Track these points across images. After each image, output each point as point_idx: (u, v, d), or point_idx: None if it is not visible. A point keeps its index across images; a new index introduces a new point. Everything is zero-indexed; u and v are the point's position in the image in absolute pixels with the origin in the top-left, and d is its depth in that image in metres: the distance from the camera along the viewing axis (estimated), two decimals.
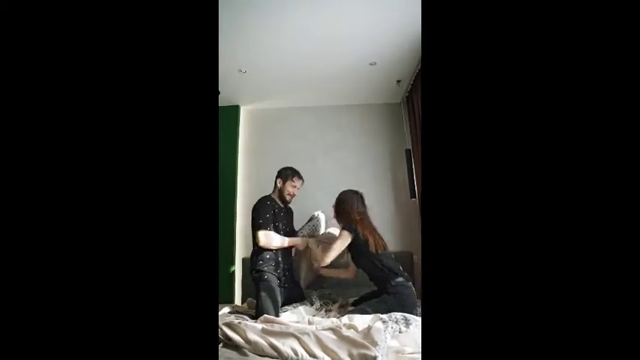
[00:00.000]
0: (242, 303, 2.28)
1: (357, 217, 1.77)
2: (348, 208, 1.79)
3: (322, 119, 2.84)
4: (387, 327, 1.16)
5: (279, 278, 1.78)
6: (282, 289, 1.77)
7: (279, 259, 1.82)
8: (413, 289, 1.66)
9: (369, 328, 1.11)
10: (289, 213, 2.06)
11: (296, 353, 0.98)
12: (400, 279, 1.64)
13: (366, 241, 1.68)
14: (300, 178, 1.98)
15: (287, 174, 1.95)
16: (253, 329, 1.16)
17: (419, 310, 1.58)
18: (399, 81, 2.53)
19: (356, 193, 1.87)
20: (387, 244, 1.80)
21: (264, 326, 1.21)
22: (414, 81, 2.51)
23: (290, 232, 1.98)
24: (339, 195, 1.87)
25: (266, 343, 1.04)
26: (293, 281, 1.92)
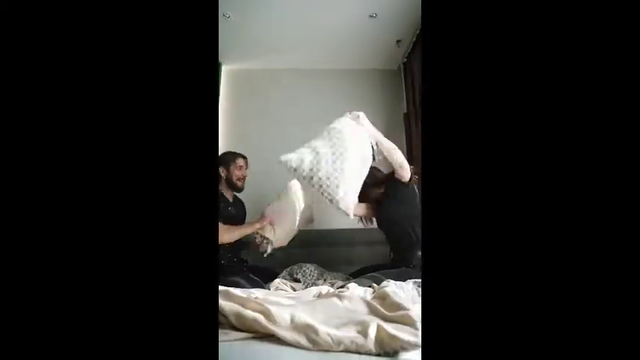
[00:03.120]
0: None
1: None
2: None
3: (316, 83, 2.61)
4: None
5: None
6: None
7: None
8: None
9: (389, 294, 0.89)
10: (239, 206, 1.82)
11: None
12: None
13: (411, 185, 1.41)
14: (243, 157, 1.76)
15: (228, 159, 1.73)
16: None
17: None
18: (398, 41, 2.32)
19: None
20: None
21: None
22: (414, 43, 2.31)
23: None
24: None
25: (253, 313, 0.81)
26: (249, 266, 1.71)
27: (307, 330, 0.69)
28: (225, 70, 2.55)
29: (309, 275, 1.64)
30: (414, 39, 2.28)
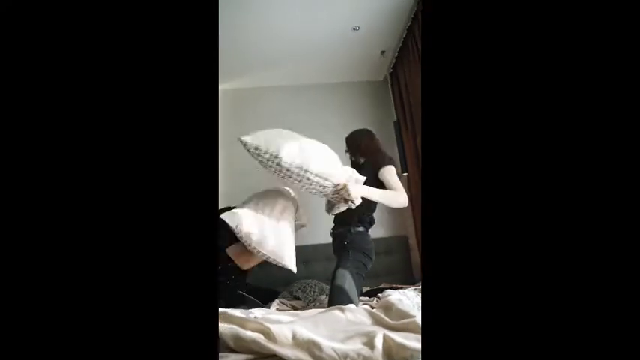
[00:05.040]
0: None
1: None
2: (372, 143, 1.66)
3: (301, 99, 2.62)
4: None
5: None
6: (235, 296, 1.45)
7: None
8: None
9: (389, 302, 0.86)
10: None
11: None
12: (360, 228, 1.45)
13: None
14: None
15: None
16: None
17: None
18: (383, 52, 2.35)
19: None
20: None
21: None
22: (399, 53, 2.34)
23: None
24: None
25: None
26: (250, 287, 1.61)
27: (310, 346, 0.65)
28: None
29: (310, 291, 1.59)
30: (399, 49, 2.32)
